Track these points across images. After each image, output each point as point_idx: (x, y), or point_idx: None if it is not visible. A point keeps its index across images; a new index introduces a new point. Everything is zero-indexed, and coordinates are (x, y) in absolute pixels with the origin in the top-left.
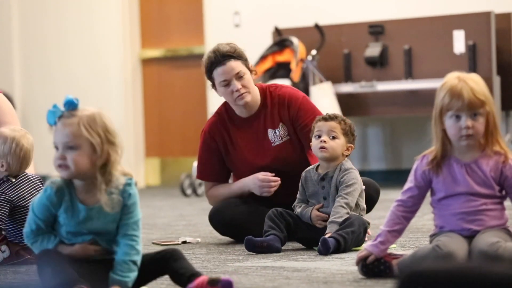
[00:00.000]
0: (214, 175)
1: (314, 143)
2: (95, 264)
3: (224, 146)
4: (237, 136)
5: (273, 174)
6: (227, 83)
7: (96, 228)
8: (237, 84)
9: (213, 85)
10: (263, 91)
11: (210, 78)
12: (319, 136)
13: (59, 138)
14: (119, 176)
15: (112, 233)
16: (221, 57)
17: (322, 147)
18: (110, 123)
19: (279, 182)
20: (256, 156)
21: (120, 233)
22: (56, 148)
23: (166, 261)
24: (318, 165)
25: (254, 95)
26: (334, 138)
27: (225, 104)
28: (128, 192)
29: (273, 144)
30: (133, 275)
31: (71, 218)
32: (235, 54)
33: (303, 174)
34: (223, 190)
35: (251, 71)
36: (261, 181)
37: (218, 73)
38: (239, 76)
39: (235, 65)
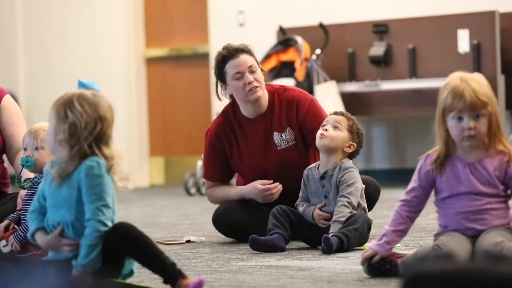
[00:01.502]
0: (218, 175)
1: (318, 132)
2: (68, 263)
3: (229, 147)
4: (242, 138)
5: (271, 181)
6: (240, 76)
7: (59, 202)
8: (250, 77)
9: (223, 83)
10: (271, 94)
11: (221, 73)
12: (323, 126)
13: None
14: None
15: (76, 214)
16: (234, 50)
17: (322, 134)
18: (73, 100)
19: (280, 187)
20: (260, 159)
21: (87, 216)
22: None
23: (126, 251)
24: (319, 164)
25: (265, 93)
26: (336, 128)
27: (232, 104)
28: (87, 170)
29: (278, 148)
30: (91, 257)
31: (47, 190)
32: (247, 50)
33: (305, 172)
34: (221, 193)
35: (261, 70)
36: (262, 191)
37: (230, 66)
38: (251, 70)
39: (248, 59)
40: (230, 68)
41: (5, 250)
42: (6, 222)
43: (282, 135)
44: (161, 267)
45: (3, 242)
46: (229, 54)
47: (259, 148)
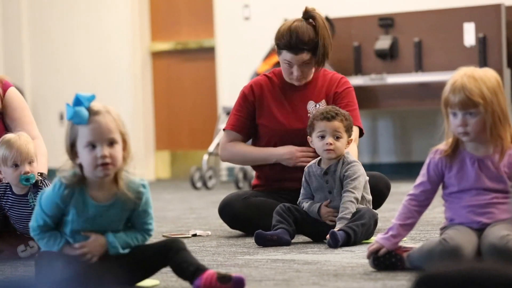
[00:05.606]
0: (240, 126)
1: (318, 144)
2: (99, 261)
3: (260, 103)
4: (277, 97)
5: (312, 150)
6: (289, 65)
7: (103, 226)
8: (298, 72)
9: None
10: (318, 70)
11: (276, 46)
12: (323, 137)
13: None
14: (130, 173)
15: (117, 230)
16: (296, 45)
17: (328, 149)
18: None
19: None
20: (287, 119)
21: (137, 227)
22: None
23: (166, 252)
24: (320, 159)
25: (309, 78)
26: (338, 138)
27: (279, 69)
28: (145, 197)
29: (309, 114)
30: (122, 246)
31: (80, 214)
32: (311, 47)
33: (305, 169)
34: (251, 149)
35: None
36: (298, 154)
37: (284, 55)
38: (303, 64)
39: (306, 56)
40: (284, 55)
41: (23, 255)
42: None
43: (317, 105)
44: (194, 266)
45: (22, 247)
46: (289, 46)
47: (291, 110)
